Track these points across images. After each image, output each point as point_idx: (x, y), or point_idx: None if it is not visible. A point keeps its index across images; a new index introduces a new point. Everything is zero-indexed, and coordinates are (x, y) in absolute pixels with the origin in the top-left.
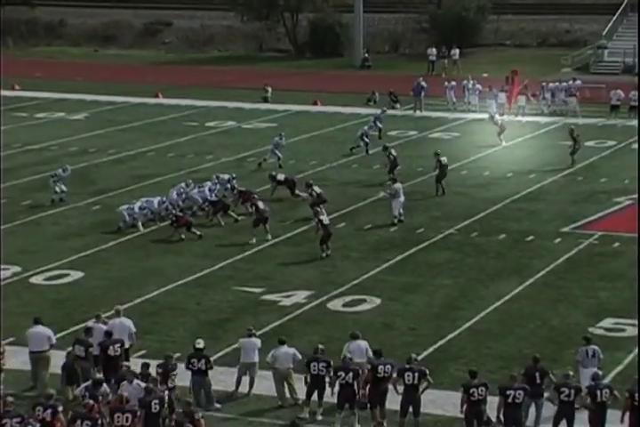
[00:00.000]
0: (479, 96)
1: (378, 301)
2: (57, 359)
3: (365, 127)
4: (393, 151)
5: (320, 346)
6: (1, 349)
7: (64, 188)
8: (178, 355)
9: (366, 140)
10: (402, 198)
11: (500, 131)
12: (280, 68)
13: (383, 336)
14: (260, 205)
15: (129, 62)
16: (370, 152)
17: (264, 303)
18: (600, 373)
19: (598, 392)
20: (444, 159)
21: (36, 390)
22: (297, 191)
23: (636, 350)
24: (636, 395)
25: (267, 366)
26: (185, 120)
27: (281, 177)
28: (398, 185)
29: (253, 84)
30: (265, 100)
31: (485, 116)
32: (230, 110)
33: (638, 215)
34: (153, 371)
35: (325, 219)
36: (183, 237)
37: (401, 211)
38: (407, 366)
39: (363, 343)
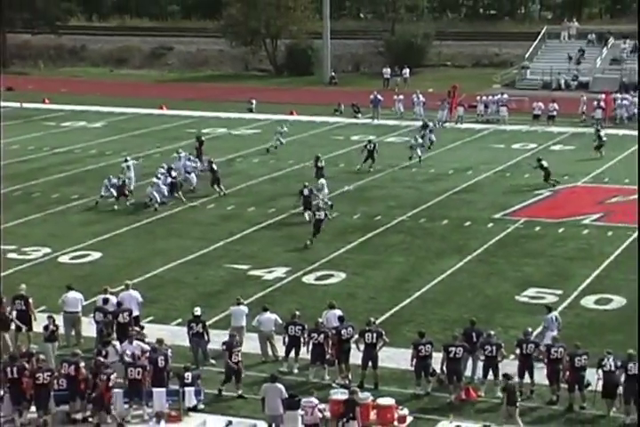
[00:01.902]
0: (424, 107)
1: (343, 275)
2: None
3: (412, 141)
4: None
5: (296, 312)
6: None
7: (113, 192)
8: (179, 320)
9: (418, 152)
10: (326, 191)
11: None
12: (262, 85)
13: (348, 304)
14: (320, 215)
15: (138, 80)
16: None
17: (250, 278)
18: (555, 334)
19: (524, 345)
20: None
21: (68, 348)
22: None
23: (554, 313)
24: (552, 349)
25: (253, 329)
26: (185, 128)
27: (215, 166)
28: (323, 181)
29: (240, 97)
30: (250, 110)
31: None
32: (222, 119)
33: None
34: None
35: (320, 214)
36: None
37: (326, 200)
38: (367, 328)
39: (338, 312)
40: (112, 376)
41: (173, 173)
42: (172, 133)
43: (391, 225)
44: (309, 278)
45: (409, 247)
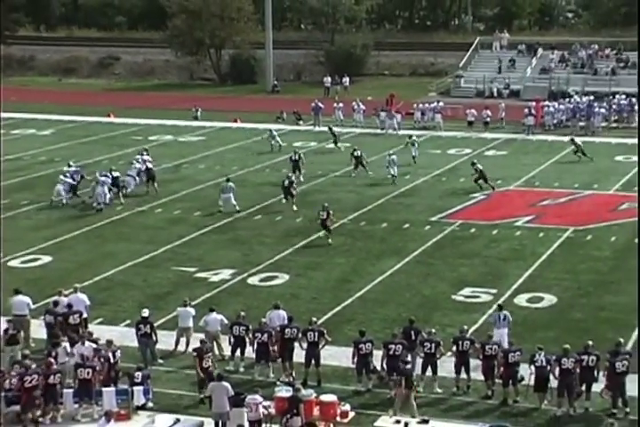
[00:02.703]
0: (363, 115)
1: (287, 276)
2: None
3: (387, 157)
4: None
5: (242, 313)
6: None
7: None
8: (128, 322)
9: (394, 170)
10: (230, 195)
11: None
12: (207, 93)
13: (291, 305)
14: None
15: (86, 89)
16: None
17: (197, 280)
18: (506, 331)
19: (461, 342)
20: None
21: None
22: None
23: (489, 312)
24: (487, 346)
25: (200, 330)
26: (132, 135)
27: (150, 165)
28: (229, 184)
29: (186, 106)
30: (195, 118)
31: (370, 131)
32: (168, 127)
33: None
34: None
35: (322, 214)
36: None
37: (233, 202)
38: (309, 328)
39: (282, 312)
40: (29, 378)
41: (115, 174)
42: (120, 141)
43: (333, 228)
44: (254, 280)
45: (350, 249)
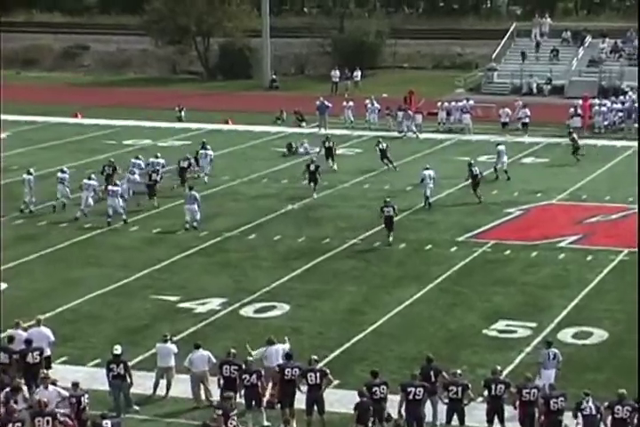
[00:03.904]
0: (378, 115)
1: (287, 307)
2: None
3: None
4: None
5: (232, 350)
6: None
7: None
8: (97, 361)
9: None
10: (193, 206)
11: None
12: (193, 90)
13: (292, 340)
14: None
15: (50, 84)
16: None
17: (180, 311)
18: (554, 373)
19: (493, 386)
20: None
21: None
22: None
23: (528, 349)
24: (524, 391)
25: (184, 370)
26: (103, 138)
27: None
28: (192, 192)
29: (168, 104)
30: (179, 119)
31: (385, 134)
32: (146, 129)
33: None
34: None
35: (389, 210)
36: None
37: (196, 217)
38: (309, 368)
39: (279, 348)
40: None
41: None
42: (89, 145)
43: (341, 249)
44: (248, 311)
45: (362, 275)
